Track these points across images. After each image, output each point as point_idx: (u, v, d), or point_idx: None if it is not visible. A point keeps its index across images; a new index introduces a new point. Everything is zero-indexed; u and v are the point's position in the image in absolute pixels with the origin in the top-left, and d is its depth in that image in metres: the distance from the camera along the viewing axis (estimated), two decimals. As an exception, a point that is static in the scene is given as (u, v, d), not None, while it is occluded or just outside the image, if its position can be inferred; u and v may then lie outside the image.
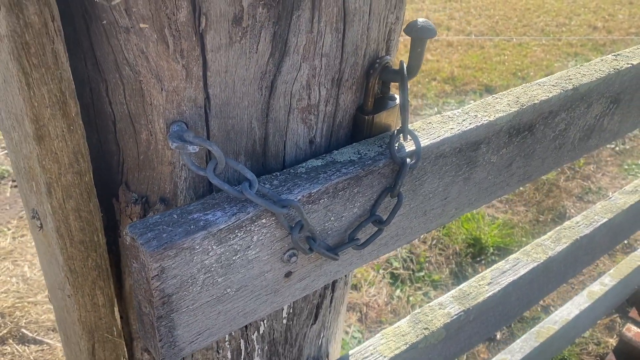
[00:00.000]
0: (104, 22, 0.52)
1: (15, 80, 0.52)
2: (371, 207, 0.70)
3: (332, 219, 0.67)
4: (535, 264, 1.19)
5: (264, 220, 0.59)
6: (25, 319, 2.19)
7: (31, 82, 0.52)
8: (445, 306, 1.07)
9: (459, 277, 3.07)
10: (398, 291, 2.85)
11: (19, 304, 2.24)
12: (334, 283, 0.87)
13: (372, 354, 0.96)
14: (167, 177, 0.61)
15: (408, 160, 0.68)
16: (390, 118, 0.73)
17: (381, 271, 2.93)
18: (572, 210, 3.57)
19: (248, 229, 0.58)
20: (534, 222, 3.50)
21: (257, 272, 0.63)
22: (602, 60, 1.00)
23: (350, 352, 0.96)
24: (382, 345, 0.97)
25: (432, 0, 7.36)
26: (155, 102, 0.56)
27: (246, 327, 0.76)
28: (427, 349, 1.02)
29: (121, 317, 0.74)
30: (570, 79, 0.91)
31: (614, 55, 1.03)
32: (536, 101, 0.84)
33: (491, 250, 3.24)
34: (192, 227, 0.55)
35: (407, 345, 0.98)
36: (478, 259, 3.20)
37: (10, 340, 2.11)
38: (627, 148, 4.30)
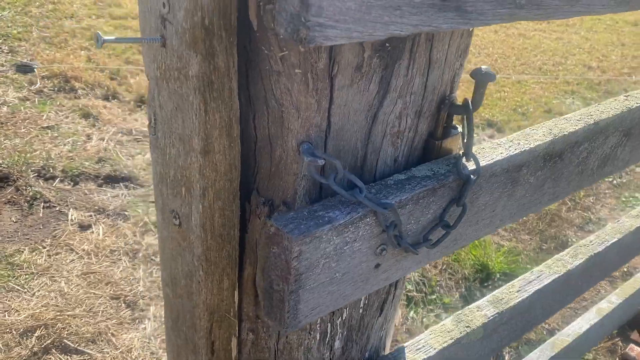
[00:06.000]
0: (267, 67, 0.70)
1: (195, 108, 0.70)
2: (441, 214, 0.87)
3: (412, 222, 0.84)
4: (557, 276, 1.36)
5: (367, 219, 0.77)
6: (67, 331, 2.32)
7: (209, 110, 0.70)
8: (482, 309, 1.24)
9: (468, 300, 3.22)
10: (412, 312, 3.00)
11: (60, 317, 2.38)
12: (396, 282, 1.03)
13: (423, 346, 1.12)
14: (291, 185, 0.79)
15: (472, 176, 0.85)
16: (452, 143, 0.91)
17: (395, 293, 3.08)
18: (574, 239, 3.75)
19: (357, 225, 0.76)
20: (538, 250, 3.67)
21: (357, 262, 0.80)
22: (615, 100, 1.19)
23: (405, 344, 1.12)
24: (432, 339, 1.13)
25: (434, 38, 7.65)
26: (292, 127, 0.74)
27: (333, 313, 0.93)
28: (468, 345, 1.18)
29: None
30: (591, 115, 1.10)
31: (625, 96, 1.22)
32: (566, 132, 1.02)
33: (498, 275, 3.40)
34: (320, 221, 0.72)
35: (453, 340, 1.14)
36: (485, 284, 3.36)
37: (54, 350, 2.24)
38: (624, 181, 4.51)
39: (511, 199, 1.01)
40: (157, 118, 0.80)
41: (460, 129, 0.91)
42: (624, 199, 4.24)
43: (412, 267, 0.90)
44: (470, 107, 0.84)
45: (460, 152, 0.89)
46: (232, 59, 0.67)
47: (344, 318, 0.95)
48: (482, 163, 0.90)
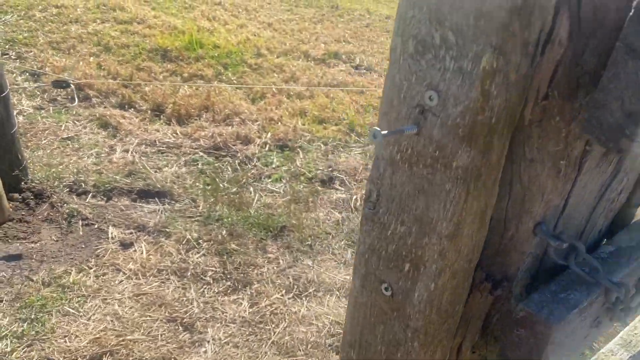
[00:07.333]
0: (520, 154, 0.71)
1: (451, 196, 0.71)
2: (638, 280, 0.89)
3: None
4: (672, 314, 1.40)
5: (599, 298, 0.78)
6: (131, 357, 2.30)
7: (468, 199, 0.70)
8: (615, 353, 1.26)
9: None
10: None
11: (122, 342, 2.36)
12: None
13: (574, 395, 1.14)
14: (516, 262, 0.79)
15: (671, 245, 0.87)
16: (638, 210, 0.93)
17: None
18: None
19: (592, 304, 0.77)
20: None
21: (578, 335, 0.81)
22: None
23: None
24: (580, 388, 1.15)
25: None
26: (532, 209, 0.75)
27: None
28: (608, 390, 1.21)
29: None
30: None
31: None
32: None
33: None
34: (567, 305, 0.73)
35: (600, 386, 1.16)
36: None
37: (122, 378, 2.22)
38: None
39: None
40: (380, 194, 0.80)
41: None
42: None
43: (604, 331, 0.92)
44: (672, 179, 0.86)
45: (651, 218, 0.91)
46: (504, 151, 0.67)
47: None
48: (671, 228, 0.92)
